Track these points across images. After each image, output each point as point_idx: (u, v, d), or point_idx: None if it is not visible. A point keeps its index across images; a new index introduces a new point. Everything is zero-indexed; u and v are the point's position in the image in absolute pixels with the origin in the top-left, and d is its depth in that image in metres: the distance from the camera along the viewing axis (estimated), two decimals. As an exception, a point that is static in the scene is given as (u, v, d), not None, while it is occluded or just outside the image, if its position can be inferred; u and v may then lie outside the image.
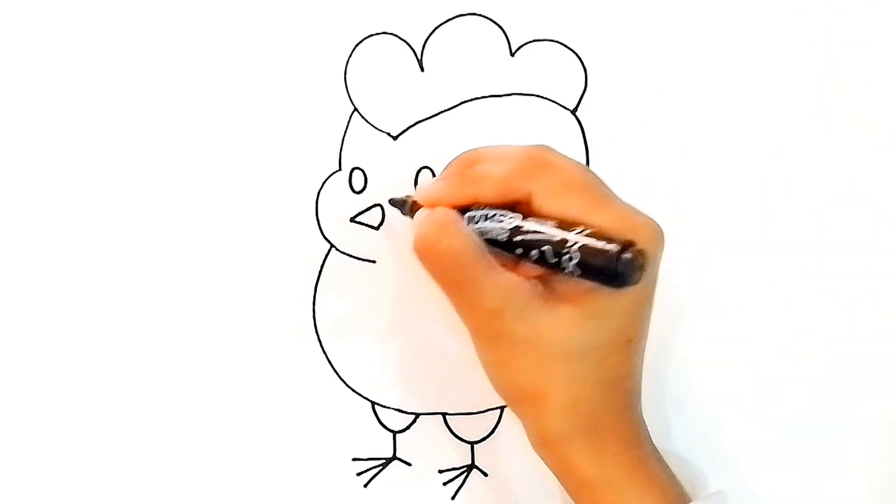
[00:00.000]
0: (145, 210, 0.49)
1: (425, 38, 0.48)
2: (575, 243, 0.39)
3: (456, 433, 0.50)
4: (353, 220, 0.49)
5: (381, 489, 0.50)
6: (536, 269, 0.42)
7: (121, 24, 0.48)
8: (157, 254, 0.49)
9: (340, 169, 0.49)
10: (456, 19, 0.48)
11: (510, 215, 0.42)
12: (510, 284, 0.42)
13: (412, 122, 0.49)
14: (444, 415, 0.50)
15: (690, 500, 0.44)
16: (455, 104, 0.49)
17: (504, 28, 0.48)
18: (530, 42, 0.49)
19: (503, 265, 0.42)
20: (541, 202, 0.42)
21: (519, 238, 0.41)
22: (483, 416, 0.50)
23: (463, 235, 0.42)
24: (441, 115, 0.49)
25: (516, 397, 0.44)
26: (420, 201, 0.44)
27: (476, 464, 0.50)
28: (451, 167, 0.46)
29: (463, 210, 0.43)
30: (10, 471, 0.49)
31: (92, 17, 0.48)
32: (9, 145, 0.48)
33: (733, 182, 0.49)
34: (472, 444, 0.50)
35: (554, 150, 0.44)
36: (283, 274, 0.49)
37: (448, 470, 0.50)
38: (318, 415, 0.49)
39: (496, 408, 0.50)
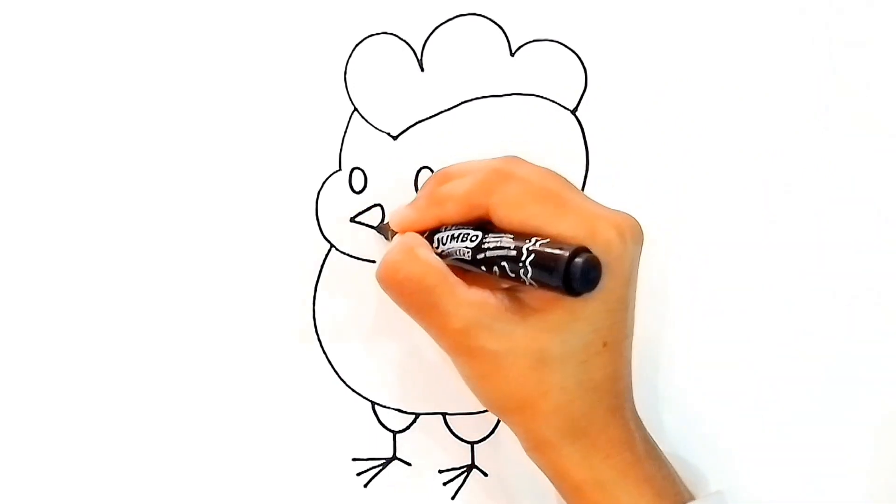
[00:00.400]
0: (145, 210, 0.49)
1: (425, 38, 0.48)
2: (529, 255, 0.39)
3: (456, 433, 0.50)
4: (353, 220, 0.49)
5: (381, 489, 0.50)
6: (507, 283, 0.42)
7: (121, 25, 0.48)
8: (158, 254, 0.49)
9: (340, 169, 0.49)
10: (456, 19, 0.48)
11: (472, 233, 0.42)
12: (476, 301, 0.42)
13: (412, 122, 0.49)
14: (444, 415, 0.50)
15: (690, 501, 0.44)
16: (455, 104, 0.49)
17: (504, 28, 0.48)
18: (530, 42, 0.49)
19: (476, 282, 0.42)
20: (501, 215, 0.42)
21: (481, 255, 0.41)
22: (483, 416, 0.50)
23: (422, 260, 0.42)
24: (441, 115, 0.49)
25: (500, 408, 0.44)
26: (393, 228, 0.45)
27: (476, 464, 0.50)
28: (424, 188, 0.46)
29: (434, 232, 0.44)
30: (10, 471, 0.49)
31: (92, 17, 0.48)
32: (9, 145, 0.48)
33: (733, 182, 0.49)
34: (472, 444, 0.50)
35: (520, 160, 0.44)
36: (283, 274, 0.49)
37: (448, 470, 0.50)
38: (318, 415, 0.49)
39: (496, 408, 0.50)
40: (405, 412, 0.50)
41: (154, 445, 0.49)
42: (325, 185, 0.49)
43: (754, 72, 0.49)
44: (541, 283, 0.39)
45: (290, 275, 0.49)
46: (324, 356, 0.49)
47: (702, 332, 0.50)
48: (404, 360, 0.49)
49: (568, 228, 0.41)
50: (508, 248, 0.40)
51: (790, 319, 0.50)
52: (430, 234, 0.44)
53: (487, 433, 0.50)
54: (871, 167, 0.49)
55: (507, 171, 0.43)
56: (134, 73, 0.48)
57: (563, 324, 0.41)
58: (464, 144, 0.48)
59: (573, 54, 0.49)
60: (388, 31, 0.48)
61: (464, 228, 0.43)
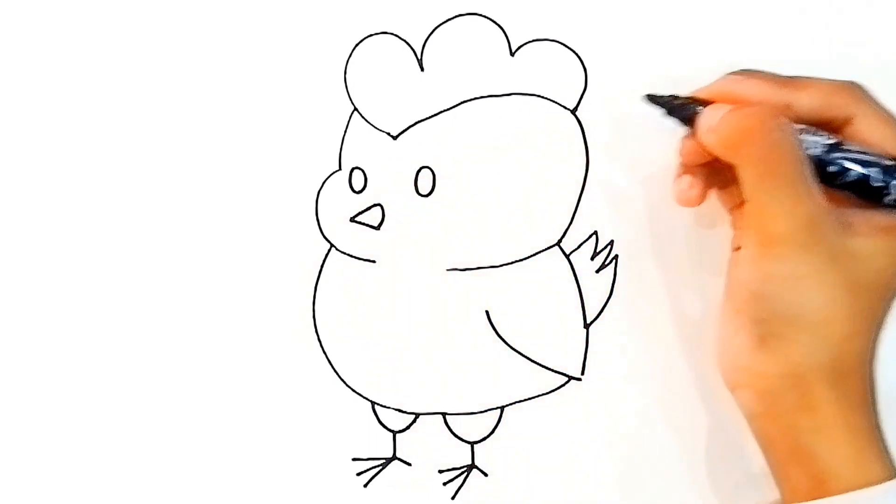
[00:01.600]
0: (145, 210, 0.49)
1: (425, 38, 0.48)
2: None
3: (456, 433, 0.50)
4: (353, 219, 0.49)
5: (381, 489, 0.50)
6: (838, 195, 0.40)
7: (121, 25, 0.48)
8: (157, 254, 0.49)
9: (340, 169, 0.49)
10: (456, 19, 0.48)
11: (829, 134, 0.40)
12: (826, 199, 0.40)
13: (412, 122, 0.49)
14: (444, 415, 0.50)
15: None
16: (455, 104, 0.49)
17: (504, 28, 0.48)
18: (530, 42, 0.49)
19: None
20: (862, 128, 0.40)
21: (840, 155, 0.40)
22: (483, 416, 0.50)
23: (792, 130, 0.40)
24: (441, 114, 0.49)
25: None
26: (723, 96, 0.43)
27: (476, 464, 0.50)
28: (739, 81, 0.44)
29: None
30: (10, 471, 0.49)
31: (92, 17, 0.48)
32: (9, 145, 0.48)
33: (733, 182, 0.49)
34: (472, 444, 0.50)
35: None
36: (283, 274, 0.49)
37: (448, 470, 0.50)
38: (318, 415, 0.49)
39: (496, 408, 0.50)
40: (405, 412, 0.50)
41: (154, 445, 0.49)
42: (324, 185, 0.49)
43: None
44: None
45: (290, 275, 0.49)
46: (324, 356, 0.49)
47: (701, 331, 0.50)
48: (404, 360, 0.49)
49: None
50: (884, 158, 0.39)
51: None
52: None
53: (487, 433, 0.50)
54: (871, 167, 0.49)
55: (862, 89, 0.41)
56: (134, 73, 0.48)
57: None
58: (464, 144, 0.48)
59: (573, 54, 0.49)
60: (388, 31, 0.48)
61: (815, 126, 0.40)
